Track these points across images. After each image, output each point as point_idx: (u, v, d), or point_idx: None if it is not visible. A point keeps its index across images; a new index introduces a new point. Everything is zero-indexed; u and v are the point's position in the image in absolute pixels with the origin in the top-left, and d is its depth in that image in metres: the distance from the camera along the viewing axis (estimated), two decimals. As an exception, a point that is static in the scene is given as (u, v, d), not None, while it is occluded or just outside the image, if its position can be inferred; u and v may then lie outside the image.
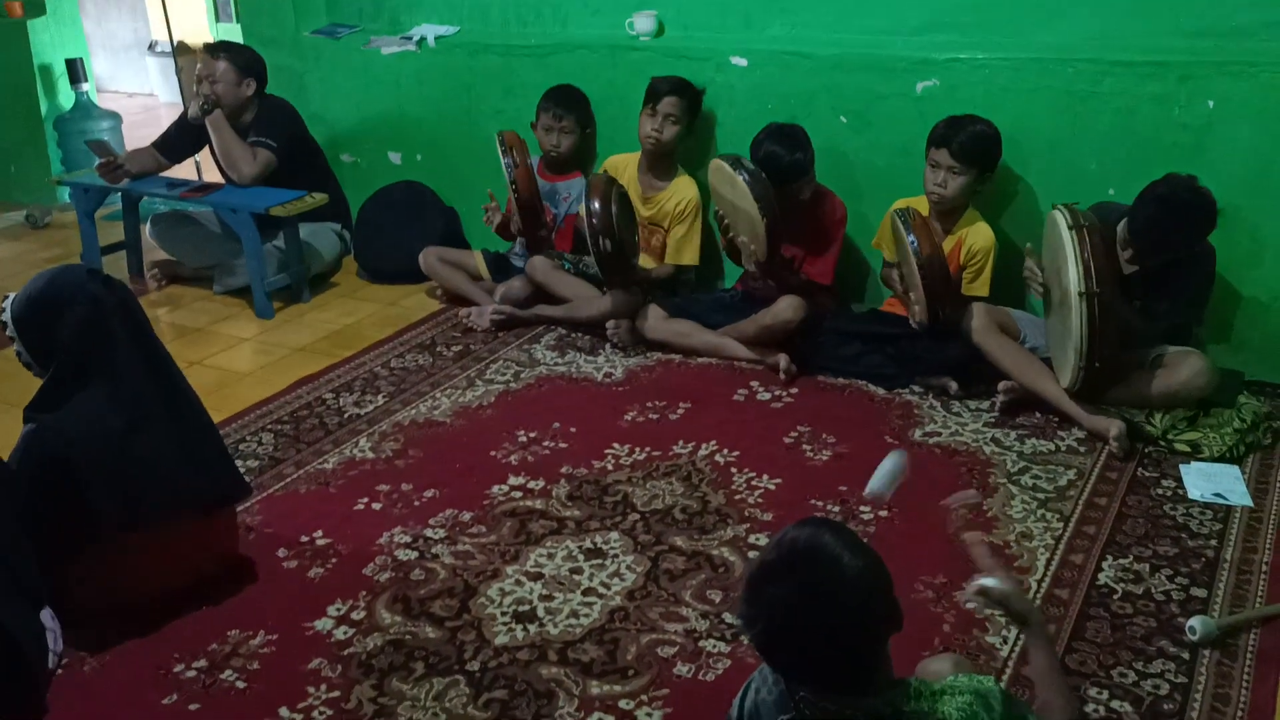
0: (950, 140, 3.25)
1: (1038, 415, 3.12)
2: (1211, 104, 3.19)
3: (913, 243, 3.16)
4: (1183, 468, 2.82)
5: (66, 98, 5.60)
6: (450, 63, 4.39)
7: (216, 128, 4.09)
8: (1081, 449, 2.96)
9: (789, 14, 3.88)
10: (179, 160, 4.38)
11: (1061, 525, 2.60)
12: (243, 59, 4.18)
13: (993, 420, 3.12)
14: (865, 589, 1.36)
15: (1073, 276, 2.76)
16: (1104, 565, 2.44)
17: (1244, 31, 3.25)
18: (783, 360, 3.39)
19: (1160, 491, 2.75)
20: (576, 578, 2.44)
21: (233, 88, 4.13)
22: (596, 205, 3.48)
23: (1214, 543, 2.52)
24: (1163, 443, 2.94)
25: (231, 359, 3.73)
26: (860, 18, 3.76)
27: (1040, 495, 2.73)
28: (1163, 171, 3.01)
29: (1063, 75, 3.37)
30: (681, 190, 3.86)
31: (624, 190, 3.65)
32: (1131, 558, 2.47)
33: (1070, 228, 2.80)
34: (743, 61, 3.83)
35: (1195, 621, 2.18)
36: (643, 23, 4.04)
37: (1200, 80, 3.19)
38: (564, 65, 4.12)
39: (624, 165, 3.94)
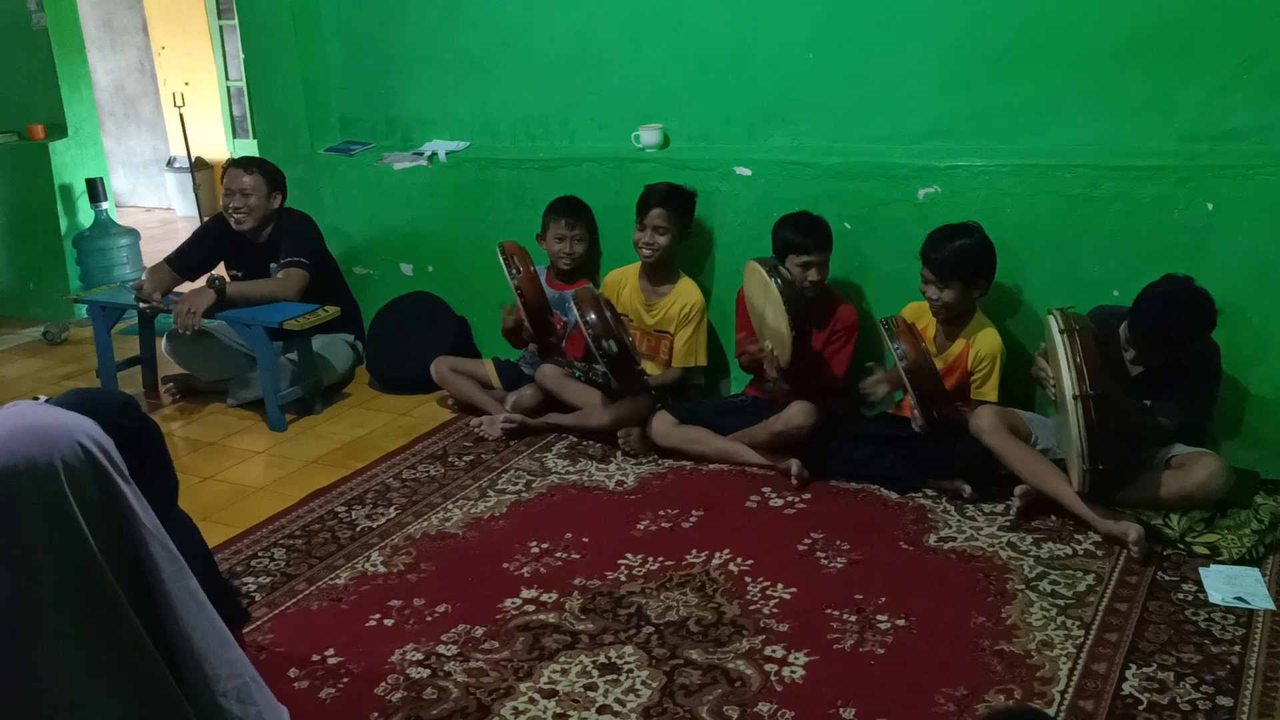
0: (929, 258, 3.32)
1: (1053, 518, 3.10)
2: (1211, 206, 3.24)
3: (897, 349, 3.19)
4: (1202, 571, 2.79)
5: (86, 216, 5.73)
6: (460, 177, 4.49)
7: (241, 294, 4.15)
8: (1099, 553, 2.93)
9: (790, 124, 3.98)
10: (194, 277, 4.45)
11: (1083, 633, 2.56)
12: (271, 172, 4.30)
13: (1008, 524, 3.10)
14: None
15: (1066, 380, 2.78)
16: (1128, 674, 2.40)
17: (1238, 135, 3.32)
18: (794, 465, 3.39)
19: (1181, 596, 2.71)
20: (591, 694, 2.40)
21: (264, 200, 4.24)
22: (592, 316, 3.54)
23: (1238, 648, 2.48)
24: (1181, 545, 2.91)
25: (244, 473, 3.74)
26: (860, 127, 3.85)
27: (1060, 602, 2.70)
28: (1165, 272, 3.05)
29: (1061, 180, 3.44)
30: (685, 294, 3.91)
31: (608, 299, 3.72)
32: (1155, 666, 2.43)
33: (1061, 331, 2.83)
34: (747, 171, 3.92)
35: (1224, 733, 2.13)
36: (648, 135, 4.14)
37: (1199, 183, 3.25)
38: (572, 178, 4.22)
39: (623, 278, 4.01)
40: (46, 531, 1.55)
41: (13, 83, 5.72)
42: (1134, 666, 2.42)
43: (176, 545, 1.81)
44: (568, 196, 4.12)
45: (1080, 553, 2.93)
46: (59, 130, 5.68)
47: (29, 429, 1.57)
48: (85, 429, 1.62)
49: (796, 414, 3.40)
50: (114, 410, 2.20)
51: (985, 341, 3.37)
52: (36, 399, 2.23)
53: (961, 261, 3.30)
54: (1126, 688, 2.35)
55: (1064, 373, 2.78)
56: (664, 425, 3.66)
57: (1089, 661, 2.45)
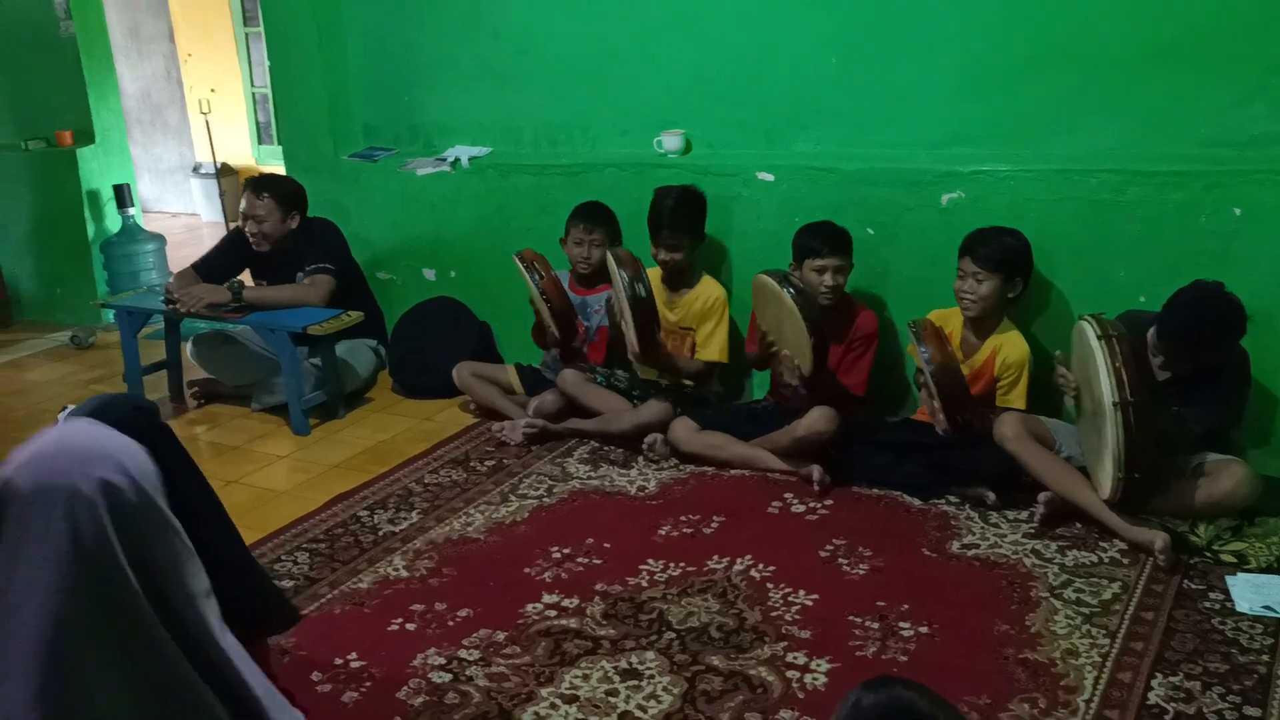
0: (974, 249, 3.32)
1: (1078, 526, 3.08)
2: (1238, 211, 3.22)
3: (924, 352, 3.18)
4: (1229, 579, 2.76)
5: (113, 222, 5.78)
6: (483, 182, 4.51)
7: (261, 299, 4.20)
8: (1125, 561, 2.90)
9: (810, 130, 3.97)
10: (219, 283, 4.47)
11: (1108, 641, 2.54)
12: (286, 191, 4.32)
13: (1032, 531, 3.08)
14: None
15: (1106, 387, 2.75)
16: (1154, 684, 2.37)
17: (1264, 140, 3.29)
18: (816, 471, 3.38)
19: (1208, 605, 2.68)
20: (612, 700, 2.40)
21: (279, 224, 4.28)
22: (629, 272, 3.61)
23: (1265, 658, 2.45)
24: (1208, 553, 2.88)
25: (268, 477, 3.76)
26: (883, 132, 3.85)
27: (1085, 610, 2.67)
28: (1191, 278, 3.03)
29: (1086, 185, 3.42)
30: (706, 290, 3.92)
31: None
32: (1182, 675, 2.40)
33: (1099, 338, 2.81)
34: (769, 176, 3.91)
35: (1252, 744, 2.11)
36: (670, 141, 4.14)
37: (1226, 189, 3.23)
38: (594, 183, 4.22)
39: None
40: (85, 553, 1.56)
41: (41, 90, 5.78)
42: (1160, 676, 2.40)
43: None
44: (591, 202, 4.13)
45: (1106, 561, 2.91)
46: (86, 137, 5.73)
47: (72, 450, 1.59)
48: (130, 451, 1.63)
49: (818, 419, 3.39)
50: (128, 415, 2.22)
51: (1012, 348, 3.35)
52: (64, 409, 2.26)
53: (1008, 254, 3.31)
54: (1153, 697, 2.33)
55: (1103, 379, 2.76)
56: (685, 430, 3.65)
57: (1114, 670, 2.43)
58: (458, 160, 4.56)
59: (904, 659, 2.50)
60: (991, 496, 3.21)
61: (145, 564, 1.60)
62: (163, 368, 4.55)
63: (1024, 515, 3.15)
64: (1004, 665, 2.46)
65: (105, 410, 2.23)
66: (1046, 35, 3.53)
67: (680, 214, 3.82)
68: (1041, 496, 3.09)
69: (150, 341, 4.72)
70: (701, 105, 4.14)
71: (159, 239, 5.89)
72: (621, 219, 4.12)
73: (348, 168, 4.81)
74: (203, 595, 1.72)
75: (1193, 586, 2.77)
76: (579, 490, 3.49)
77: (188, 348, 4.43)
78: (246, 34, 8.60)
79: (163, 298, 4.29)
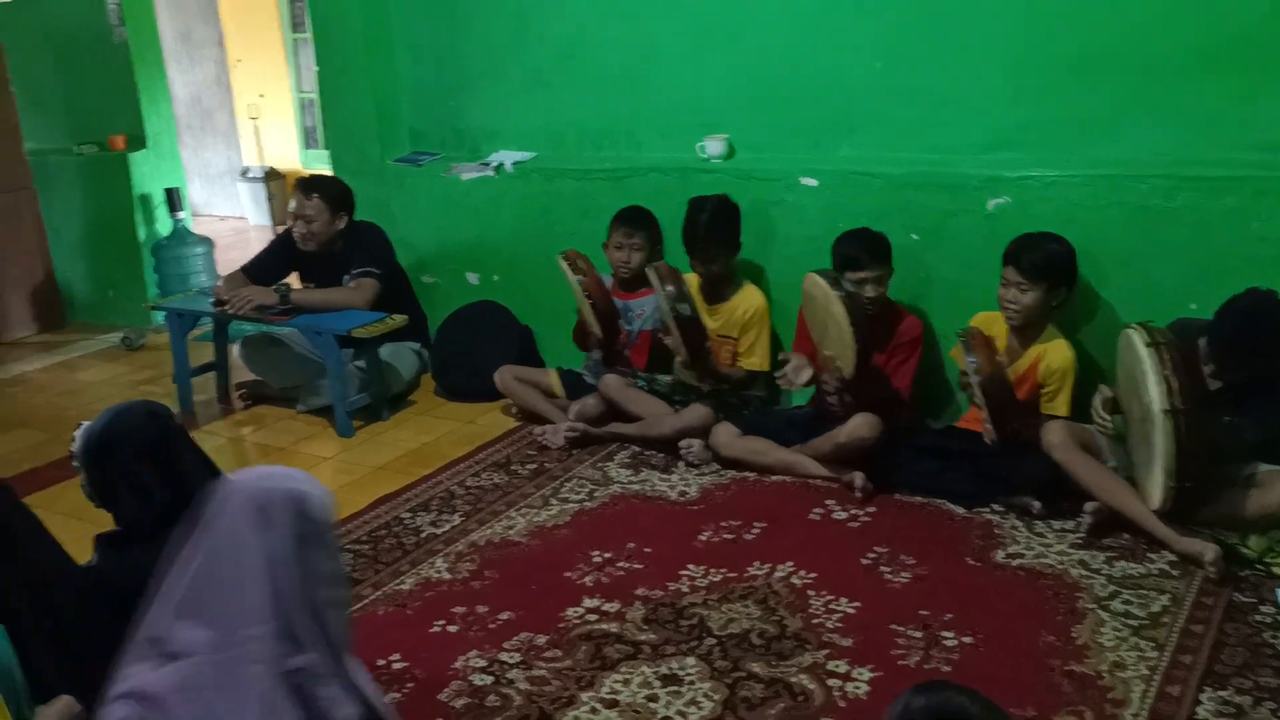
0: (1017, 257, 3.29)
1: (1126, 536, 3.03)
2: (1292, 218, 3.16)
3: (973, 361, 3.15)
4: (1281, 592, 2.72)
5: (164, 225, 5.87)
6: (527, 187, 4.53)
7: (308, 301, 4.26)
8: (1174, 572, 2.86)
9: (855, 134, 3.95)
10: (267, 285, 4.53)
11: (1157, 654, 2.50)
12: (335, 192, 4.37)
13: (1079, 541, 3.04)
14: None
15: (1155, 395, 2.72)
16: (1203, 698, 2.34)
17: (1317, 145, 3.23)
18: (858, 478, 3.36)
19: (1259, 618, 2.63)
20: (653, 706, 2.40)
21: (327, 225, 4.32)
22: (672, 288, 3.62)
23: (1320, 674, 2.41)
24: (1259, 566, 2.83)
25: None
26: (927, 137, 3.81)
27: (1133, 622, 2.64)
28: (1243, 285, 2.98)
29: (1135, 191, 3.37)
30: (747, 299, 3.91)
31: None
32: (1232, 689, 2.36)
33: (1148, 345, 2.77)
34: (813, 182, 3.90)
35: (1305, 761, 2.07)
36: (714, 146, 4.14)
37: (1278, 195, 3.16)
38: (637, 188, 4.23)
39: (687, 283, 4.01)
40: (272, 549, 1.74)
41: (94, 95, 5.89)
42: (1210, 690, 2.36)
43: None
44: (632, 206, 4.14)
45: (1154, 572, 2.87)
46: (138, 142, 5.83)
47: (271, 470, 1.84)
48: (315, 482, 1.83)
49: (860, 426, 3.37)
50: (140, 420, 2.25)
51: (1056, 354, 3.31)
52: (80, 425, 2.29)
53: (1052, 262, 3.27)
54: (1202, 711, 2.30)
55: (1152, 387, 2.72)
56: (726, 436, 3.64)
57: (1163, 684, 2.39)
58: (501, 165, 4.58)
59: (947, 669, 2.48)
60: (1037, 505, 3.18)
61: (310, 571, 1.77)
62: (211, 369, 4.62)
63: (1070, 525, 3.11)
64: (1050, 677, 2.43)
65: (118, 418, 2.27)
66: (1095, 39, 3.48)
67: (715, 228, 3.81)
68: (1089, 506, 3.05)
69: (199, 343, 4.78)
70: (745, 110, 4.13)
71: (208, 242, 5.97)
72: (664, 223, 4.12)
73: (393, 172, 4.85)
74: (337, 607, 1.86)
75: (1243, 599, 2.72)
76: (620, 494, 3.49)
77: (235, 350, 4.50)
78: (295, 40, 8.69)
79: (212, 300, 4.36)
